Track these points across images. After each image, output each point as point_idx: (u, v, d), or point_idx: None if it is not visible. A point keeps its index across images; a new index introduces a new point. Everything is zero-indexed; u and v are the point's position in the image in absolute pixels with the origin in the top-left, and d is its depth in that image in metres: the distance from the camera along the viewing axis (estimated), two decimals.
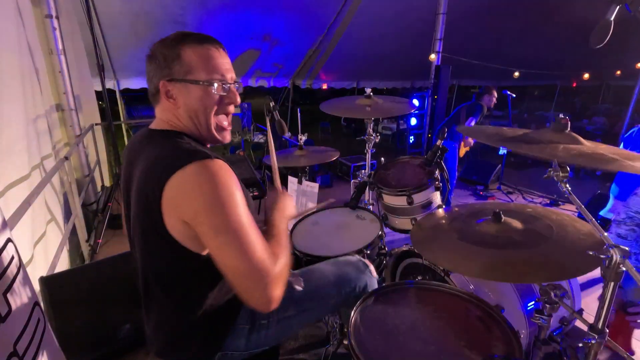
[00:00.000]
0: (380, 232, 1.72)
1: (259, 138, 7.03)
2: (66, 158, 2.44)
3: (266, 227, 1.04)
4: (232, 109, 1.04)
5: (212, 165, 0.83)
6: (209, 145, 1.06)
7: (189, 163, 0.82)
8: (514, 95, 4.92)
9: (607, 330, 0.92)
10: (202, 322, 1.00)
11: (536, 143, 0.99)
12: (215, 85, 0.95)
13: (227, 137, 1.05)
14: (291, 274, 1.18)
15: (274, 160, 1.38)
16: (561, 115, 1.00)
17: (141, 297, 1.05)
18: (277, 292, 0.85)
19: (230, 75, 0.99)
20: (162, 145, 0.93)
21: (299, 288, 1.16)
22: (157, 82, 0.95)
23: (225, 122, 1.03)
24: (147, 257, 0.97)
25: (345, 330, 1.20)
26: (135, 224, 0.96)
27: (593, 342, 0.92)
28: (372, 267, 1.34)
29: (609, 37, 1.22)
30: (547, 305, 1.03)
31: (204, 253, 0.91)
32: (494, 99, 4.11)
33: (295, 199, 1.35)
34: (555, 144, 0.96)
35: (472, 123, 3.89)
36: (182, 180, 0.82)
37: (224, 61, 0.98)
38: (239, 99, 1.02)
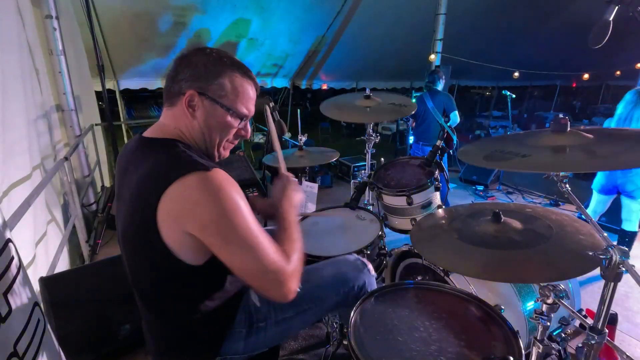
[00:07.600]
0: (380, 233, 1.72)
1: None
2: (66, 158, 2.43)
3: (276, 220, 1.06)
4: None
5: (214, 176, 0.82)
6: None
7: (187, 174, 0.81)
8: (514, 96, 4.92)
9: (607, 331, 0.92)
10: (196, 330, 0.99)
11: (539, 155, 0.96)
12: (243, 119, 1.00)
13: (225, 156, 1.08)
14: None
15: (277, 144, 1.32)
16: (560, 115, 1.00)
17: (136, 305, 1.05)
18: (293, 286, 0.90)
19: (252, 112, 1.03)
20: (158, 154, 0.90)
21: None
22: (186, 88, 0.94)
23: (229, 148, 1.07)
24: (137, 270, 0.96)
25: (345, 330, 1.19)
26: (126, 234, 0.94)
27: (593, 342, 0.92)
28: (370, 266, 1.33)
29: (607, 37, 1.21)
30: (547, 306, 1.03)
31: (198, 264, 0.90)
32: (443, 76, 4.01)
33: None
34: (562, 153, 0.94)
35: (457, 114, 3.85)
36: (182, 191, 0.81)
37: (254, 101, 1.02)
38: (249, 134, 1.07)
